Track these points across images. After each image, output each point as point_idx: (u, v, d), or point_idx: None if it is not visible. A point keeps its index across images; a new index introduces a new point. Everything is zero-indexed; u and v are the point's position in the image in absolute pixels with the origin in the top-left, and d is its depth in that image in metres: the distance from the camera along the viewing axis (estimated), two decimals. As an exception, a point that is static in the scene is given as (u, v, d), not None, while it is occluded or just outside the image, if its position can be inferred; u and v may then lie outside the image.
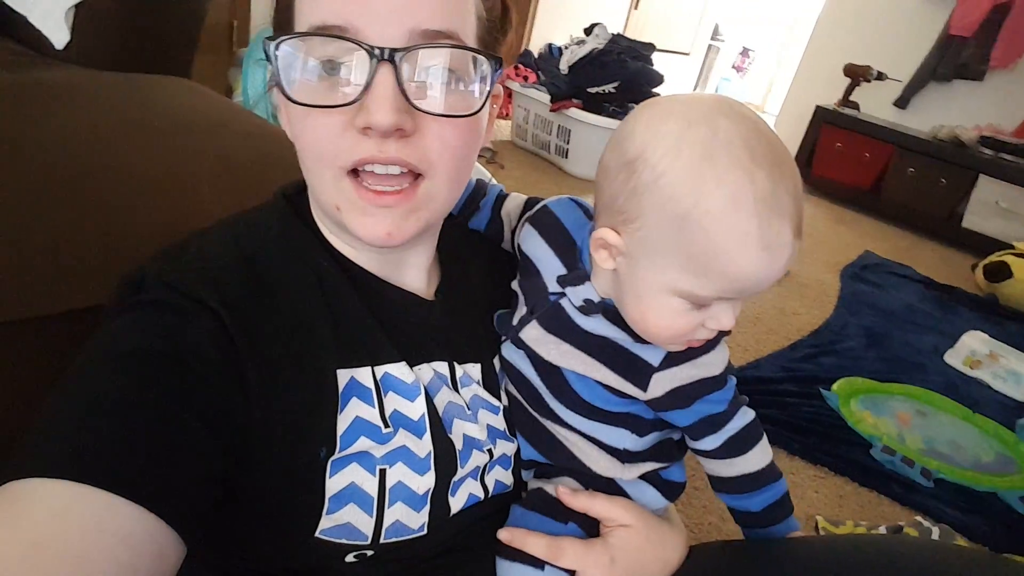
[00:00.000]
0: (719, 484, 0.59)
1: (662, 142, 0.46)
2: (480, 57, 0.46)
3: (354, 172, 0.45)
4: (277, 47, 0.43)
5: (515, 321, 0.59)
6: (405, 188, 0.46)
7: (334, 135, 0.44)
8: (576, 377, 0.57)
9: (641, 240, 0.48)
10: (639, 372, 0.54)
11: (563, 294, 0.56)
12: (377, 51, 0.41)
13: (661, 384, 0.54)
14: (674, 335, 0.51)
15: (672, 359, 0.54)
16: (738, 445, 0.57)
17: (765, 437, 0.58)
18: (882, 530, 1.29)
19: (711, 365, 0.54)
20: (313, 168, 0.46)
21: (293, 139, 0.48)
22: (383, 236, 0.46)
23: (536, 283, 0.58)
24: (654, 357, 0.54)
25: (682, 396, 0.54)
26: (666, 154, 0.45)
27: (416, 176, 0.46)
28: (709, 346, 0.54)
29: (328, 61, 0.43)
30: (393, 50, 0.41)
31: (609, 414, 0.57)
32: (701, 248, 0.45)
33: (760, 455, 0.57)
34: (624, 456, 0.58)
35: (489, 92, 0.47)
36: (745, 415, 0.57)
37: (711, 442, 0.57)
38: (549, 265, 0.58)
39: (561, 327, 0.56)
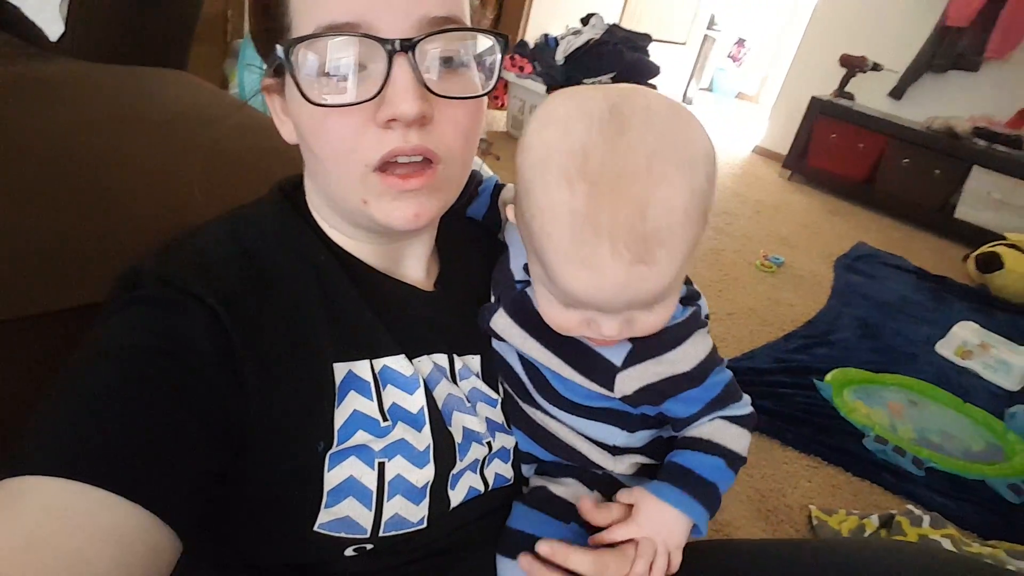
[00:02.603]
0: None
1: (525, 138, 0.47)
2: (483, 37, 0.47)
3: (380, 168, 0.45)
4: (289, 52, 0.42)
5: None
6: (427, 170, 0.46)
7: (356, 133, 0.44)
8: (552, 373, 0.56)
9: (517, 226, 0.50)
10: (602, 372, 0.54)
11: (528, 283, 0.56)
12: (391, 43, 0.41)
13: (628, 383, 0.53)
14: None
15: (634, 357, 0.53)
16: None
17: (748, 435, 0.57)
18: (874, 519, 1.30)
19: (679, 362, 0.53)
20: (334, 168, 0.46)
21: (299, 141, 0.48)
22: (411, 218, 0.47)
23: (505, 272, 0.59)
24: (616, 357, 0.53)
25: (653, 394, 0.54)
26: (522, 151, 0.47)
27: (432, 162, 0.46)
28: (675, 341, 0.53)
29: (342, 60, 0.43)
30: (406, 40, 0.42)
31: (591, 409, 0.57)
32: (536, 251, 0.46)
33: (737, 439, 0.56)
34: (613, 449, 0.59)
35: (499, 70, 0.48)
36: (739, 409, 0.56)
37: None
38: (519, 253, 0.58)
39: (526, 317, 0.55)
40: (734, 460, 0.55)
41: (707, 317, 0.59)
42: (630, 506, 0.54)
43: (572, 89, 0.48)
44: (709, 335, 0.56)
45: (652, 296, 0.46)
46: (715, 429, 0.55)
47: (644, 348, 0.53)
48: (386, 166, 0.45)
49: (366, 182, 0.46)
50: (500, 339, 0.58)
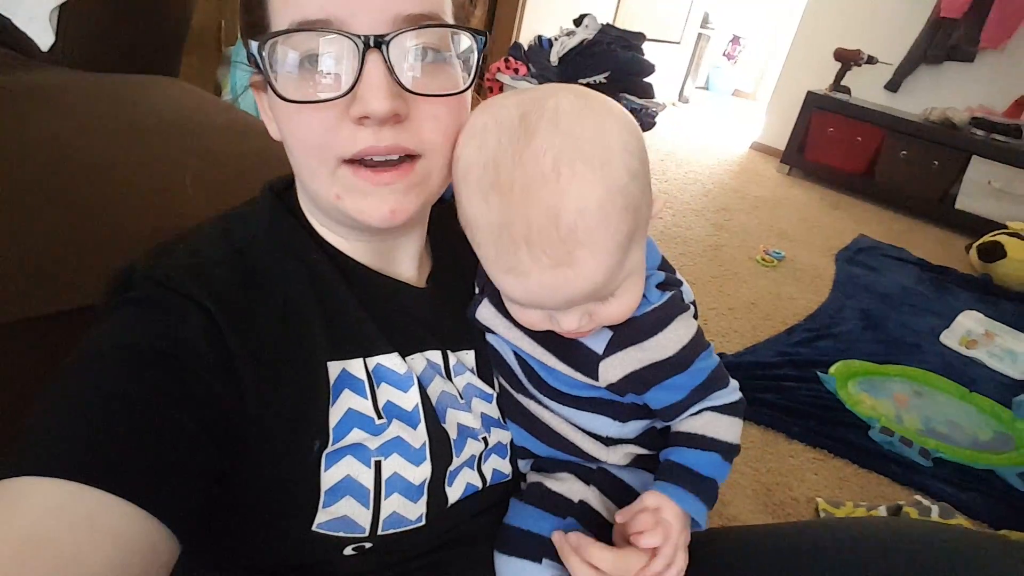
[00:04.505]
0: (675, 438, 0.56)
1: (454, 152, 0.48)
2: (464, 34, 0.46)
3: (351, 160, 0.45)
4: (261, 48, 0.42)
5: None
6: (402, 165, 0.46)
7: (329, 129, 0.43)
8: (539, 364, 0.56)
9: None
10: (585, 361, 0.53)
11: None
12: (363, 39, 0.41)
13: (612, 371, 0.53)
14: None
15: (615, 345, 0.52)
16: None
17: (740, 422, 0.56)
18: (882, 510, 1.29)
19: (662, 347, 0.52)
20: (307, 163, 0.46)
21: (281, 137, 0.48)
22: (387, 215, 0.46)
23: None
24: (597, 345, 0.53)
25: (637, 382, 0.53)
26: (453, 164, 0.48)
27: (413, 158, 0.46)
28: (655, 327, 0.52)
29: (314, 56, 0.43)
30: (380, 37, 0.41)
31: (580, 399, 0.57)
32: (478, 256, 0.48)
33: (729, 429, 0.55)
34: (606, 440, 0.58)
35: (476, 67, 0.48)
36: (727, 396, 0.55)
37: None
38: None
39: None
40: (729, 451, 0.55)
41: (693, 303, 0.58)
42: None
43: (494, 99, 0.48)
44: (694, 320, 0.55)
45: (588, 294, 0.45)
46: (706, 422, 0.55)
47: (624, 335, 0.52)
48: (358, 161, 0.45)
49: (336, 175, 0.45)
50: (488, 330, 0.58)
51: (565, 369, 0.54)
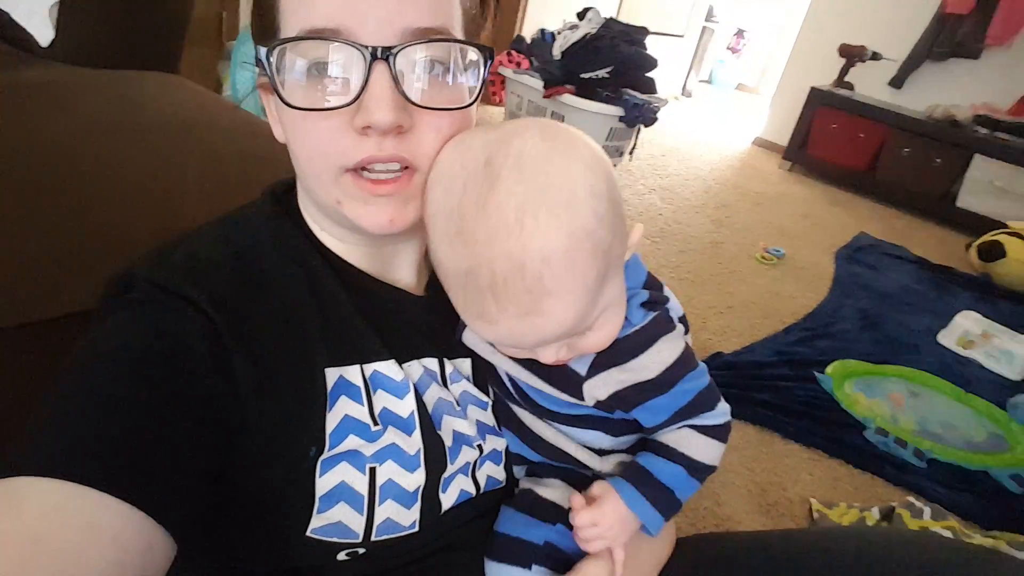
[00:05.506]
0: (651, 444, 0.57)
1: (424, 194, 0.47)
2: (472, 49, 0.46)
3: (353, 169, 0.45)
4: (270, 53, 0.43)
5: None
6: (402, 177, 0.46)
7: (333, 137, 0.44)
8: (527, 386, 0.56)
9: None
10: (569, 382, 0.53)
11: None
12: (371, 50, 0.42)
13: (596, 391, 0.53)
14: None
15: (598, 366, 0.52)
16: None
17: (719, 445, 0.56)
18: (874, 512, 1.30)
19: (644, 368, 0.51)
20: (311, 169, 0.47)
21: (286, 141, 0.49)
22: (386, 223, 0.47)
23: None
24: (581, 367, 0.52)
25: (622, 401, 0.53)
26: (423, 204, 0.48)
27: (412, 170, 0.46)
28: (637, 348, 0.51)
29: (322, 64, 0.43)
30: (387, 48, 0.42)
31: (571, 417, 0.57)
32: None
33: (704, 449, 0.54)
34: (599, 451, 0.59)
35: (482, 82, 0.48)
36: (711, 418, 0.54)
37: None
38: None
39: None
40: (697, 469, 0.54)
41: (682, 319, 0.57)
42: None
43: (461, 137, 0.47)
44: (682, 339, 0.54)
45: (560, 336, 0.45)
46: (681, 437, 0.54)
47: (607, 357, 0.52)
48: (360, 170, 0.45)
49: (340, 183, 0.46)
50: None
51: (551, 390, 0.55)
